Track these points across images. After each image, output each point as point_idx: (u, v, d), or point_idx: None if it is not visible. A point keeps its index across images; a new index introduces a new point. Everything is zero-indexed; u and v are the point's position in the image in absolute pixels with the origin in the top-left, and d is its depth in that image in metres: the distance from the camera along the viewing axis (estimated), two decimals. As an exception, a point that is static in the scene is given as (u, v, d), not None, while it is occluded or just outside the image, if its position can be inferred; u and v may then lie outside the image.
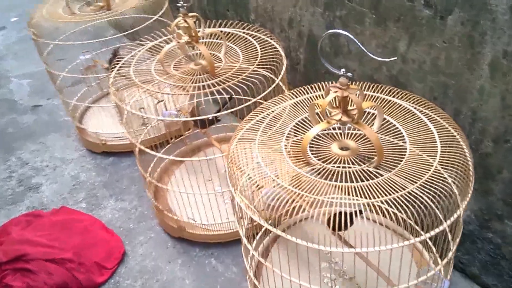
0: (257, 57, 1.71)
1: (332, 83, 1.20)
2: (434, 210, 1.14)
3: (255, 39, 1.79)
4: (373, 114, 1.32)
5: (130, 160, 2.38)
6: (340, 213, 1.19)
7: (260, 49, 1.74)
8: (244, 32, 1.84)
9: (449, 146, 1.21)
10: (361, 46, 1.13)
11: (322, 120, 1.24)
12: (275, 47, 1.74)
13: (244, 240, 1.39)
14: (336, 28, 1.72)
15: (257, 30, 1.82)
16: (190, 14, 1.65)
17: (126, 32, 2.13)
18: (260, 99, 1.60)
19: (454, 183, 1.16)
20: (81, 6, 2.30)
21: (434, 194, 1.11)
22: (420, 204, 1.09)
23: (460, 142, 1.22)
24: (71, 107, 2.49)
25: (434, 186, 1.12)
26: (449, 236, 1.30)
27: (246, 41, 1.80)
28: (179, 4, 1.63)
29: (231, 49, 1.81)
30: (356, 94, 1.18)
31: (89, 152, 2.47)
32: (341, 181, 1.17)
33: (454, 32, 1.37)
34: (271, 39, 1.77)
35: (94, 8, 2.25)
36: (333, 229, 1.26)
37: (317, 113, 1.34)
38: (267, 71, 1.66)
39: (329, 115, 1.21)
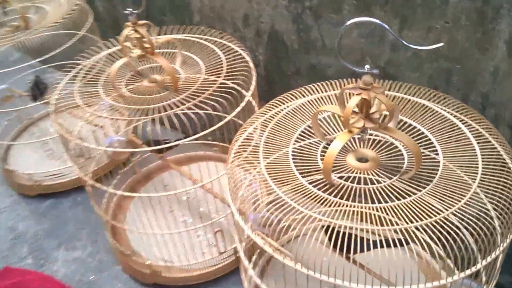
0: (222, 66, 1.47)
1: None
2: (470, 244, 0.96)
3: (216, 45, 1.55)
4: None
5: (70, 200, 2.06)
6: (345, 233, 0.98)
7: (225, 56, 1.50)
8: (201, 38, 1.59)
9: (493, 167, 1.00)
10: (394, 34, 0.92)
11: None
12: (240, 54, 1.50)
13: (243, 259, 1.18)
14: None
15: (223, 37, 1.58)
16: (140, 22, 1.39)
17: (51, 54, 1.81)
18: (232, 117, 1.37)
19: (497, 216, 0.96)
20: (-9, 29, 1.96)
21: (472, 225, 0.92)
22: (455, 234, 0.90)
23: (508, 163, 1.01)
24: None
25: (472, 214, 0.93)
26: (483, 276, 1.09)
27: (206, 48, 1.56)
28: (127, 11, 1.36)
29: (188, 59, 1.56)
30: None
31: (21, 196, 2.11)
32: (366, 202, 0.97)
33: (459, 10, 1.20)
34: (232, 43, 1.54)
35: (9, 29, 1.91)
36: (339, 249, 1.04)
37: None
38: (236, 84, 1.43)
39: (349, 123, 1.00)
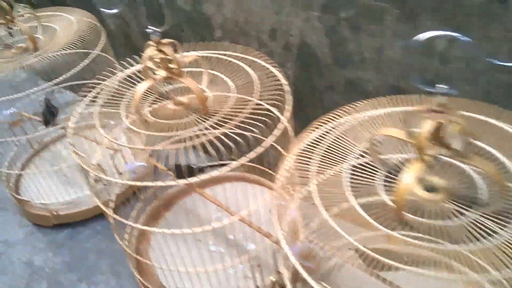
0: (253, 85, 1.35)
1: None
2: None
3: (243, 62, 1.44)
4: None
5: (89, 229, 1.94)
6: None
7: (255, 74, 1.39)
8: (225, 54, 1.48)
9: None
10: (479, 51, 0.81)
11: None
12: (271, 72, 1.38)
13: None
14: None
15: (250, 52, 1.46)
16: (164, 41, 1.27)
17: (64, 76, 1.70)
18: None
19: None
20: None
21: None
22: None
23: None
24: (4, 176, 2.01)
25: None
26: None
27: (232, 65, 1.44)
28: (149, 30, 1.25)
29: (214, 78, 1.45)
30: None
31: (37, 227, 1.99)
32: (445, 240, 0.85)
33: (522, 16, 1.09)
34: (261, 59, 1.43)
35: (16, 51, 1.79)
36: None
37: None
38: (271, 105, 1.31)
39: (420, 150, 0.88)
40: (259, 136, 1.23)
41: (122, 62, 1.53)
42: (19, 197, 1.99)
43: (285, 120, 1.28)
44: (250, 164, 1.79)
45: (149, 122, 1.33)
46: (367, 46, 1.38)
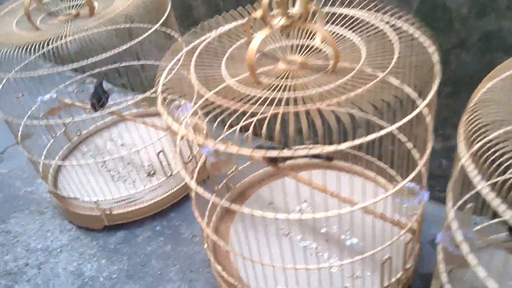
0: (390, 56, 1.05)
1: None
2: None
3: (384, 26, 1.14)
4: None
5: (148, 230, 1.64)
6: None
7: (398, 41, 1.09)
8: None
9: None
10: None
11: None
12: (421, 44, 1.08)
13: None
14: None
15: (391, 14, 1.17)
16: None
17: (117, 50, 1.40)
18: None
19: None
20: (43, 19, 1.54)
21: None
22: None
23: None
24: (41, 169, 1.71)
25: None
26: None
27: (368, 28, 1.15)
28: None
29: (339, 40, 1.16)
30: None
31: (82, 230, 1.68)
32: None
33: None
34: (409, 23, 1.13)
35: (64, 18, 1.50)
36: None
37: None
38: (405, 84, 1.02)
39: None
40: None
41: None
42: (62, 194, 1.68)
43: (422, 105, 0.98)
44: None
45: (262, 83, 1.05)
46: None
